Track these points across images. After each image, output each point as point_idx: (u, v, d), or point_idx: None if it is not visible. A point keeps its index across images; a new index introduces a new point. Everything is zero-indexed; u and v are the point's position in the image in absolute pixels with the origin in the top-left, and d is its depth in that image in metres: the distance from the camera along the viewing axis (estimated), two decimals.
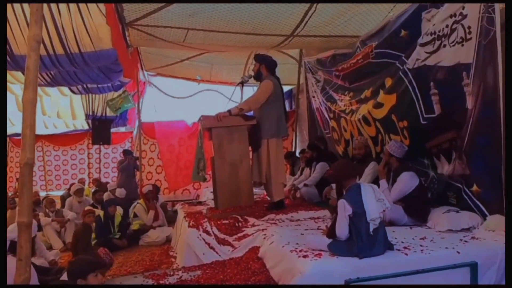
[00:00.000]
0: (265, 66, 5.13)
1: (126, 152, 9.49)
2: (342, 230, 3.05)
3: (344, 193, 3.22)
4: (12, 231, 3.70)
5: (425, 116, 4.36)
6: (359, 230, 3.00)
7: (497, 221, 3.47)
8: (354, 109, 5.92)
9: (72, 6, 4.37)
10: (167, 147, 9.40)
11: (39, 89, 8.67)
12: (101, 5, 4.27)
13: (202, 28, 5.37)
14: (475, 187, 3.78)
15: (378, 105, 5.16)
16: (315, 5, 4.70)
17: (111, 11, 4.11)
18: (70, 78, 6.48)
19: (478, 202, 3.76)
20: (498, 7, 3.38)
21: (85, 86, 8.24)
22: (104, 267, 3.24)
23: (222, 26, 5.30)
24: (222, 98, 9.57)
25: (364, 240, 2.99)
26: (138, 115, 9.48)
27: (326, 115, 7.03)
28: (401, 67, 4.65)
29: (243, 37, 5.71)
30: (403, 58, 4.62)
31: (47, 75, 6.38)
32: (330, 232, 3.22)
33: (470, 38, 3.66)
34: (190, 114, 9.58)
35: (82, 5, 4.33)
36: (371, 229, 3.00)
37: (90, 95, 10.24)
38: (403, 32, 4.64)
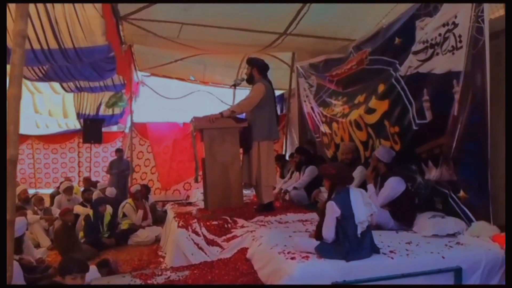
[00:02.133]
0: (257, 69, 5.15)
1: (118, 151, 9.56)
2: (329, 233, 3.07)
3: (333, 195, 3.24)
4: None
5: (417, 122, 4.42)
6: (346, 233, 3.02)
7: (482, 227, 3.54)
8: (345, 113, 5.98)
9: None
10: (162, 148, 9.42)
11: (31, 86, 8.68)
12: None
13: (196, 22, 5.40)
14: (462, 193, 3.84)
15: (370, 111, 5.22)
16: (308, 3, 4.76)
17: (107, 5, 4.12)
18: (63, 74, 6.46)
19: (464, 208, 3.81)
20: (487, 17, 3.47)
21: (77, 84, 8.25)
22: (85, 271, 3.29)
23: (216, 21, 5.34)
24: (215, 99, 9.65)
25: (351, 243, 3.01)
26: (131, 115, 9.48)
27: (318, 120, 7.08)
28: (394, 74, 4.71)
29: (237, 33, 5.74)
30: (397, 65, 4.68)
31: (40, 70, 6.35)
32: (317, 234, 3.25)
33: (461, 47, 3.75)
34: (183, 114, 9.61)
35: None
36: (359, 232, 3.02)
37: (81, 94, 10.26)
38: (397, 40, 4.71)
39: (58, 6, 4.34)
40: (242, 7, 4.87)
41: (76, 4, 4.33)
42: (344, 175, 3.27)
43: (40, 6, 4.26)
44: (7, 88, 2.71)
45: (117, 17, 5.06)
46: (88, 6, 4.35)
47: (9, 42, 4.45)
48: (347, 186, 3.22)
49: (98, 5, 4.35)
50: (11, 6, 4.17)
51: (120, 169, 9.31)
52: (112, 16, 4.74)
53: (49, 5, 4.30)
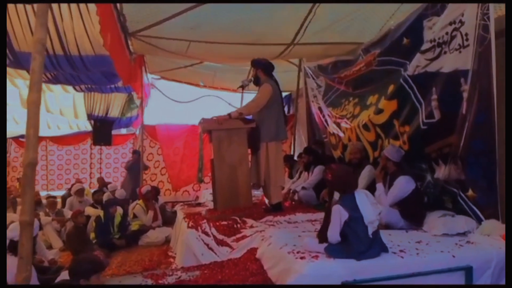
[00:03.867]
0: (262, 70, 5.16)
1: (134, 152, 9.93)
2: (334, 235, 3.06)
3: (339, 198, 3.21)
4: (12, 230, 3.74)
5: (425, 121, 4.40)
6: (357, 234, 3.00)
7: (492, 226, 3.51)
8: (355, 114, 5.97)
9: (75, 12, 4.41)
10: (173, 150, 9.49)
11: (42, 84, 8.79)
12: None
13: (203, 40, 5.46)
14: (470, 192, 3.82)
15: (379, 111, 5.21)
16: (314, 10, 4.75)
17: (108, 20, 4.12)
18: (72, 78, 6.53)
19: (473, 207, 3.79)
20: (493, 14, 3.45)
21: (87, 85, 8.37)
22: (103, 269, 3.33)
23: (223, 38, 5.40)
24: (224, 104, 9.70)
25: (362, 243, 3.00)
26: (141, 117, 9.56)
27: (326, 120, 7.07)
28: (403, 74, 4.70)
29: (244, 47, 5.78)
30: (407, 65, 4.66)
31: (50, 73, 6.44)
32: (321, 236, 3.24)
33: (468, 45, 3.73)
34: (192, 118, 9.66)
35: (84, 13, 4.37)
36: (370, 232, 3.01)
37: (91, 94, 10.37)
38: (405, 40, 4.70)
39: (66, 20, 4.39)
40: (249, 23, 4.91)
41: (85, 21, 4.37)
42: (347, 180, 3.20)
43: (49, 19, 4.32)
44: (25, 86, 2.80)
45: (125, 33, 5.07)
46: (97, 22, 4.36)
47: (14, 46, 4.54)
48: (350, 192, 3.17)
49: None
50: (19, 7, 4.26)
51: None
52: (120, 32, 4.74)
53: (58, 18, 4.35)
